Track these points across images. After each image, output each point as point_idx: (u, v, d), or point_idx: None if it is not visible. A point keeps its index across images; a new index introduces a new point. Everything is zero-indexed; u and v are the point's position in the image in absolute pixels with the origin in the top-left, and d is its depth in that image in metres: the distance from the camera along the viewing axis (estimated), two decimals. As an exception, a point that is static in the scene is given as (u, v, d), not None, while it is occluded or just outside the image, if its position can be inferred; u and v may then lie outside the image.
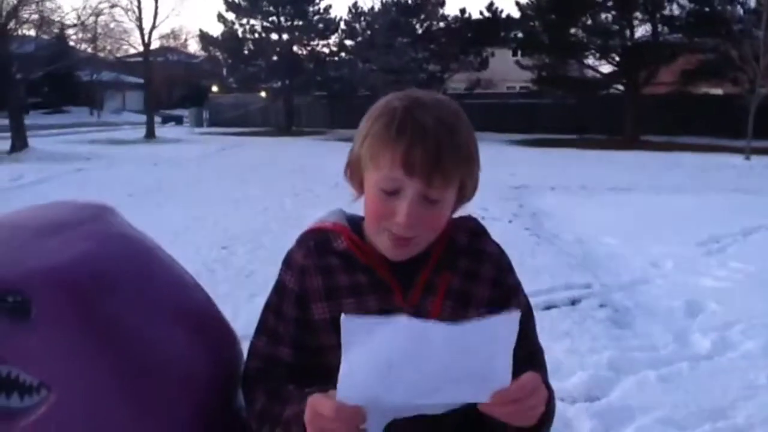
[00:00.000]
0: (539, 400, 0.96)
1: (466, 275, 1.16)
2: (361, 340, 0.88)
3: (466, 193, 1.13)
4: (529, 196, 11.24)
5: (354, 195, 1.16)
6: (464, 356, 0.91)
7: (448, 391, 0.92)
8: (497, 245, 1.23)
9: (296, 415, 1.00)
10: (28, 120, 24.14)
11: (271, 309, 1.19)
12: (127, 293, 1.13)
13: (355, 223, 1.19)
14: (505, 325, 0.92)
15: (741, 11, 25.73)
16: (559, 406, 3.51)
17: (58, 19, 26.75)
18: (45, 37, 26.90)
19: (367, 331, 0.88)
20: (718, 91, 30.39)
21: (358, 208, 1.18)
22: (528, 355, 1.14)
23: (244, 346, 1.26)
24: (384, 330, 0.88)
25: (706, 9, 26.14)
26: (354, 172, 1.13)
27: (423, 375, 0.90)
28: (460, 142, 1.06)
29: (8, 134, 20.15)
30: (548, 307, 4.89)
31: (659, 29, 28.42)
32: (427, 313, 1.11)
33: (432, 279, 1.14)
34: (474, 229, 1.21)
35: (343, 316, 0.87)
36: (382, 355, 0.88)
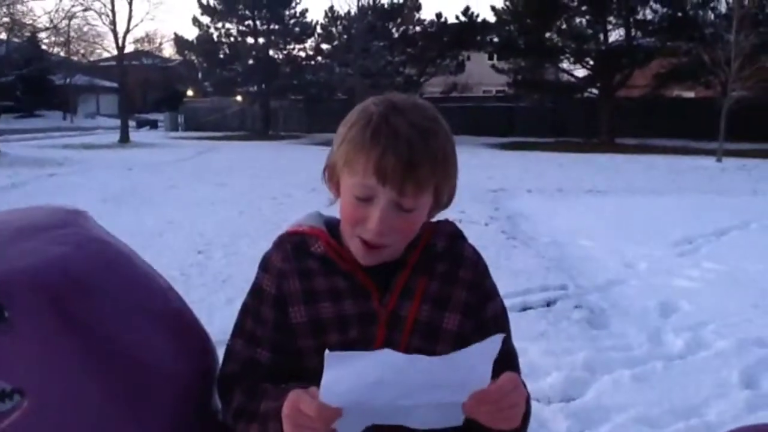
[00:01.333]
0: (519, 399, 0.97)
1: (443, 279, 1.17)
2: (344, 371, 0.88)
3: (442, 198, 1.13)
4: (505, 199, 11.31)
5: (331, 198, 1.16)
6: (447, 380, 0.92)
7: (428, 395, 0.93)
8: (474, 249, 1.24)
9: (274, 409, 1.00)
10: (0, 124, 23.78)
11: (249, 312, 1.18)
12: (102, 297, 1.12)
13: (332, 226, 1.19)
14: (488, 348, 0.93)
15: (712, 16, 26.15)
16: (535, 406, 3.53)
17: (30, 22, 26.41)
18: (16, 40, 26.52)
19: (351, 363, 0.88)
20: (691, 94, 30.84)
21: (335, 211, 1.18)
22: (502, 356, 1.15)
23: (220, 351, 1.25)
24: (367, 361, 0.89)
25: (679, 13, 26.54)
26: (331, 176, 1.13)
27: (405, 389, 0.91)
28: (436, 147, 1.06)
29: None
30: (524, 309, 4.93)
31: (633, 33, 28.79)
32: (403, 316, 1.12)
33: (409, 283, 1.14)
34: (452, 234, 1.22)
35: (327, 352, 0.86)
36: (367, 374, 0.88)
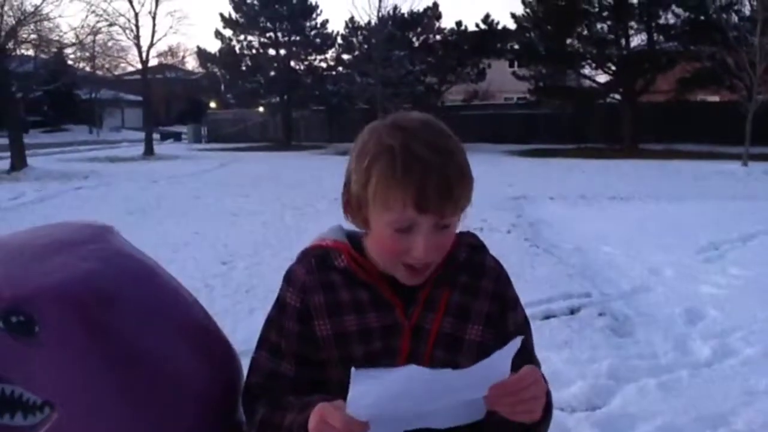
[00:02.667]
0: (539, 391, 0.99)
1: (465, 290, 1.18)
2: (370, 386, 0.89)
3: (465, 206, 1.14)
4: (527, 206, 11.26)
5: (361, 230, 1.17)
6: (470, 388, 0.95)
7: (451, 400, 0.96)
8: (496, 260, 1.25)
9: (298, 422, 1.02)
10: (28, 139, 24.21)
11: (273, 325, 1.20)
12: (129, 311, 1.15)
13: (355, 239, 1.21)
14: (507, 351, 0.95)
15: (736, 19, 25.84)
16: (559, 415, 3.51)
17: (57, 38, 26.84)
18: (44, 56, 27.00)
19: (377, 378, 0.89)
20: (715, 99, 30.49)
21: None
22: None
23: (244, 362, 1.27)
24: (393, 376, 0.90)
25: (702, 17, 26.25)
26: (356, 212, 1.12)
27: (429, 399, 0.94)
28: (460, 164, 1.08)
29: (8, 153, 20.18)
30: (547, 317, 4.90)
31: (655, 38, 28.56)
32: (426, 328, 1.14)
33: (432, 295, 1.16)
34: (473, 245, 1.23)
35: (353, 369, 0.88)
36: (392, 388, 0.90)
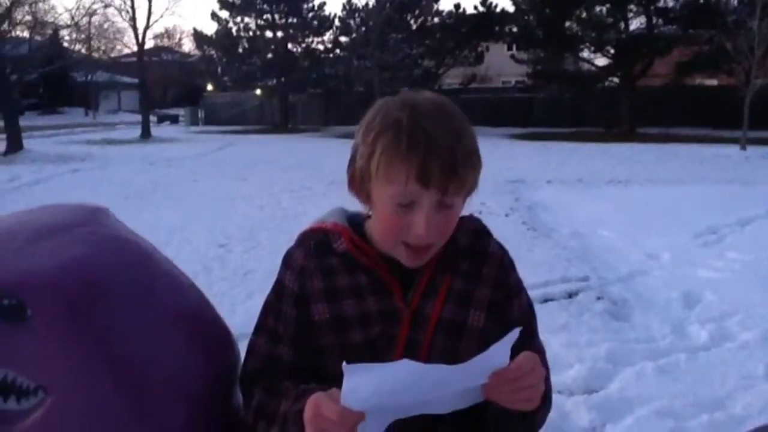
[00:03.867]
0: (538, 378, 0.97)
1: (467, 276, 1.16)
2: (363, 380, 0.88)
3: (471, 190, 1.12)
4: (525, 190, 11.25)
5: (364, 208, 1.15)
6: (467, 381, 0.94)
7: (449, 391, 0.95)
8: (500, 245, 1.23)
9: (294, 412, 1.01)
10: (24, 121, 24.08)
11: (271, 309, 1.18)
12: (122, 296, 1.13)
13: (356, 222, 1.18)
14: (504, 343, 0.94)
15: (735, 2, 25.73)
16: (557, 398, 3.52)
17: (52, 20, 26.68)
18: (39, 38, 26.83)
19: (369, 373, 0.88)
20: (714, 83, 30.41)
21: (357, 205, 1.17)
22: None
23: (242, 344, 1.26)
24: (386, 371, 0.89)
25: (701, 1, 26.14)
26: (360, 187, 1.11)
27: (426, 392, 0.93)
28: (469, 145, 1.06)
29: (3, 136, 20.10)
30: (546, 301, 4.91)
31: (654, 21, 28.44)
32: (426, 314, 1.12)
33: (433, 280, 1.14)
34: (477, 230, 1.21)
35: (344, 364, 0.87)
36: (386, 383, 0.89)
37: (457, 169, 1.03)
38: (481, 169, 1.11)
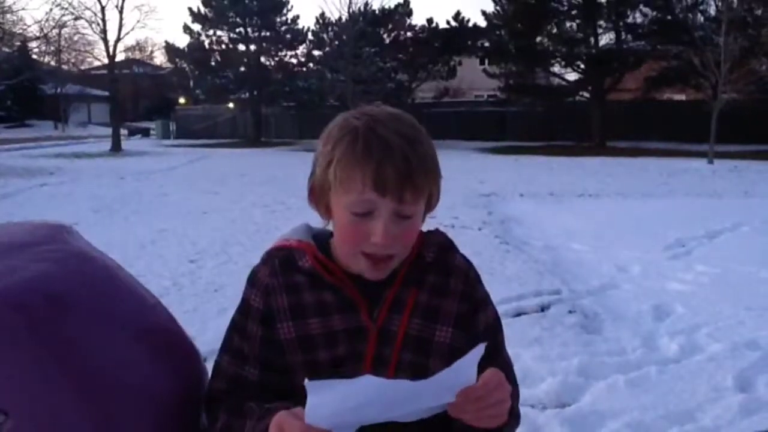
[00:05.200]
0: (504, 395, 0.97)
1: (433, 291, 1.15)
2: (327, 397, 0.87)
3: (432, 203, 1.12)
4: (498, 203, 11.32)
5: (322, 221, 1.14)
6: (432, 398, 0.93)
7: (414, 407, 0.93)
8: (465, 258, 1.22)
9: (258, 431, 0.99)
10: (-10, 134, 23.70)
11: (236, 328, 1.16)
12: (85, 314, 1.10)
13: (321, 239, 1.17)
14: (471, 359, 0.92)
15: (702, 19, 26.30)
16: (529, 412, 3.51)
17: (20, 31, 26.32)
18: (6, 50, 26.44)
19: (333, 390, 0.87)
20: (682, 97, 31.00)
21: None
22: (496, 367, 1.14)
23: (212, 361, 1.23)
24: (349, 387, 0.88)
25: (668, 17, 26.70)
26: (319, 198, 1.11)
27: (391, 408, 0.92)
28: (425, 152, 1.06)
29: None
30: (518, 314, 4.91)
31: (623, 37, 28.96)
32: (393, 331, 1.11)
33: (399, 295, 1.13)
34: (442, 244, 1.20)
35: (306, 381, 0.85)
36: (350, 399, 0.88)
37: (412, 176, 1.03)
38: (440, 179, 1.11)
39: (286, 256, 1.16)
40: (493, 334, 1.17)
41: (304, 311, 1.12)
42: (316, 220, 1.22)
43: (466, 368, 0.92)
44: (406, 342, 1.11)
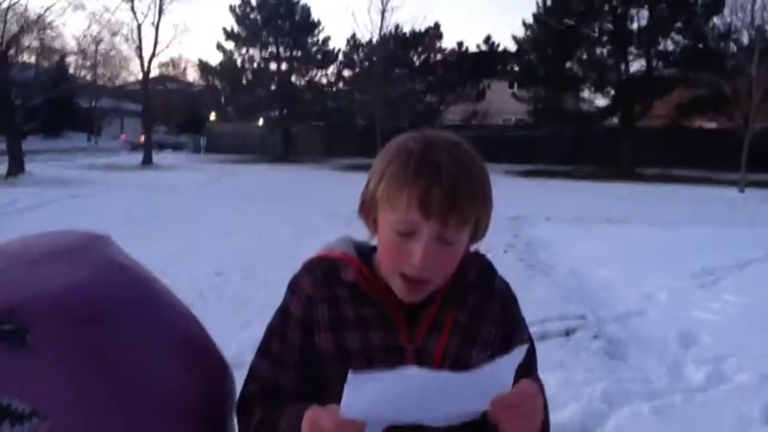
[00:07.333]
0: (538, 406, 0.98)
1: (472, 313, 1.15)
2: (366, 389, 0.88)
3: (479, 233, 1.12)
4: (524, 226, 11.27)
5: (369, 234, 1.15)
6: (470, 393, 0.94)
7: (450, 406, 0.95)
8: (505, 282, 1.23)
9: (292, 427, 1.00)
10: (26, 145, 24.20)
11: (275, 333, 1.17)
12: (122, 321, 1.13)
13: (363, 253, 1.18)
14: (511, 360, 0.94)
15: (734, 48, 26.07)
16: (551, 437, 3.44)
17: (59, 46, 26.98)
18: (45, 64, 27.08)
19: (373, 381, 0.88)
20: (713, 125, 30.68)
21: (362, 236, 1.19)
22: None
23: (237, 374, 1.26)
24: (390, 378, 0.89)
25: (700, 45, 26.50)
26: (368, 212, 1.12)
27: (427, 403, 0.93)
28: (476, 180, 1.06)
29: (5, 158, 20.18)
30: (543, 338, 4.88)
31: (654, 64, 28.78)
32: (431, 351, 1.11)
33: (438, 317, 1.13)
34: (483, 266, 1.21)
35: (350, 372, 0.86)
36: (389, 391, 0.89)
37: (459, 202, 1.03)
38: (490, 211, 1.11)
39: (329, 267, 1.16)
40: (528, 355, 1.18)
41: (343, 324, 1.12)
42: (354, 235, 1.24)
43: (505, 368, 0.93)
44: (443, 362, 1.11)
